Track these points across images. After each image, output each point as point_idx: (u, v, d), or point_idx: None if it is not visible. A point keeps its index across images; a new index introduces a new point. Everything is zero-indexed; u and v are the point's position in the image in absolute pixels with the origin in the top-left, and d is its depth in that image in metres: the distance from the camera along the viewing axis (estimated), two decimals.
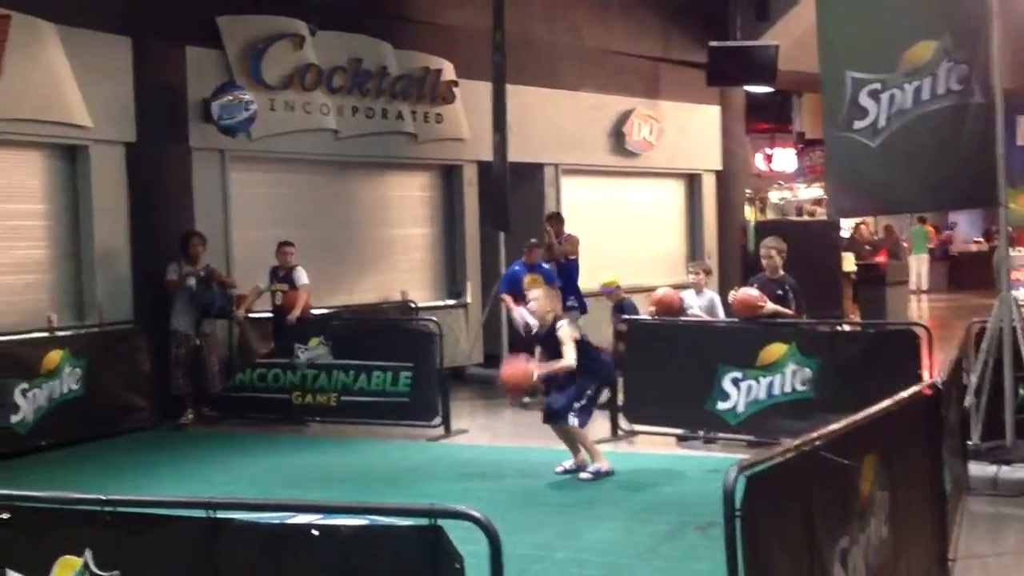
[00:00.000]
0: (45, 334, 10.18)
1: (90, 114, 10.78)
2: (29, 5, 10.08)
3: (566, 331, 8.32)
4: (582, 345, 8.38)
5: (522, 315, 10.84)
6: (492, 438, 10.49)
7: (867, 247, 18.55)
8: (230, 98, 11.77)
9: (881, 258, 18.45)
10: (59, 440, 9.67)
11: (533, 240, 12.14)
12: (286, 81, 12.44)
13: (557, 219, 13.09)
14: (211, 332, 11.15)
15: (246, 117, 11.87)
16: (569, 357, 8.19)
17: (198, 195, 11.72)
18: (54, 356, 9.86)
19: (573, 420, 8.31)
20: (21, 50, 10.12)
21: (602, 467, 8.36)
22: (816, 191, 19.44)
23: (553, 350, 8.32)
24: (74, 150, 11.00)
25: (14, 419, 9.47)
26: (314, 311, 11.51)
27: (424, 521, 3.58)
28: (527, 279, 11.74)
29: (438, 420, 10.20)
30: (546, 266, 12.04)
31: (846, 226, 18.04)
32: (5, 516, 3.93)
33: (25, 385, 9.57)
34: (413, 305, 13.37)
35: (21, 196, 10.68)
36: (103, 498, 3.83)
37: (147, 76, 11.27)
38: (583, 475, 8.35)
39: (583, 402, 8.33)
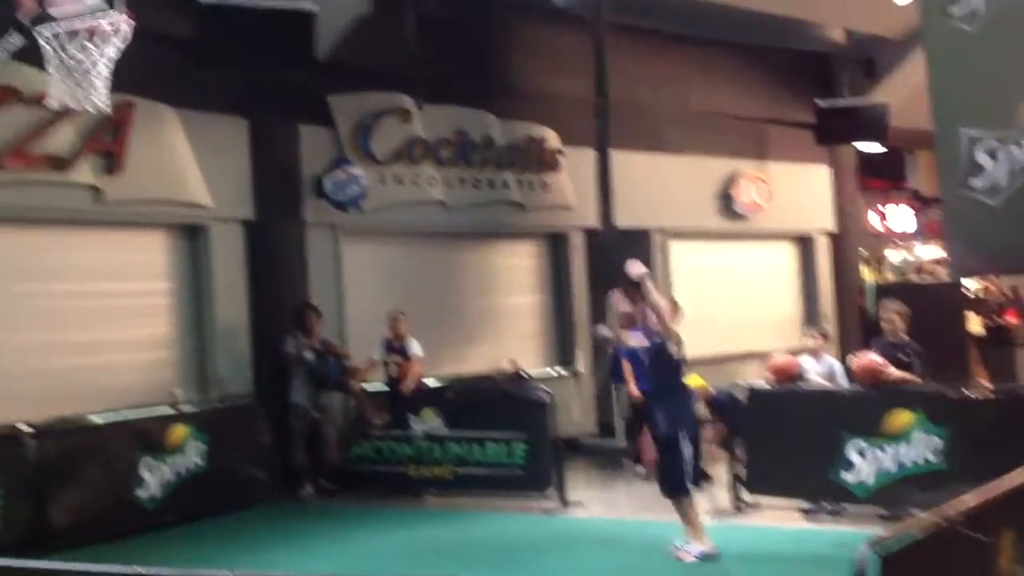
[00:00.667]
0: (170, 410, 10.44)
1: (210, 194, 11.14)
2: (151, 91, 10.50)
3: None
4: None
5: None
6: (608, 510, 10.35)
7: (995, 307, 17.94)
8: (341, 174, 12.07)
9: (1010, 318, 17.82)
10: (183, 515, 9.83)
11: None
12: (395, 155, 12.70)
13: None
14: (328, 405, 11.28)
15: (357, 192, 12.15)
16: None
17: (312, 269, 11.98)
18: (179, 431, 10.07)
19: (690, 486, 8.02)
20: (144, 134, 10.53)
21: (705, 549, 7.89)
22: (936, 250, 18.94)
23: (661, 372, 8.06)
24: (195, 229, 11.37)
25: (141, 494, 9.68)
26: (427, 381, 11.60)
27: None
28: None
29: (553, 492, 10.13)
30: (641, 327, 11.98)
31: (972, 286, 17.48)
32: None
33: (151, 460, 9.79)
34: (524, 374, 13.37)
35: (146, 275, 11.05)
36: (231, 573, 3.90)
37: (263, 155, 11.62)
38: (685, 556, 7.90)
39: (689, 463, 8.01)
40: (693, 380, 10.30)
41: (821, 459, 9.05)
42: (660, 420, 8.09)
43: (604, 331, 12.55)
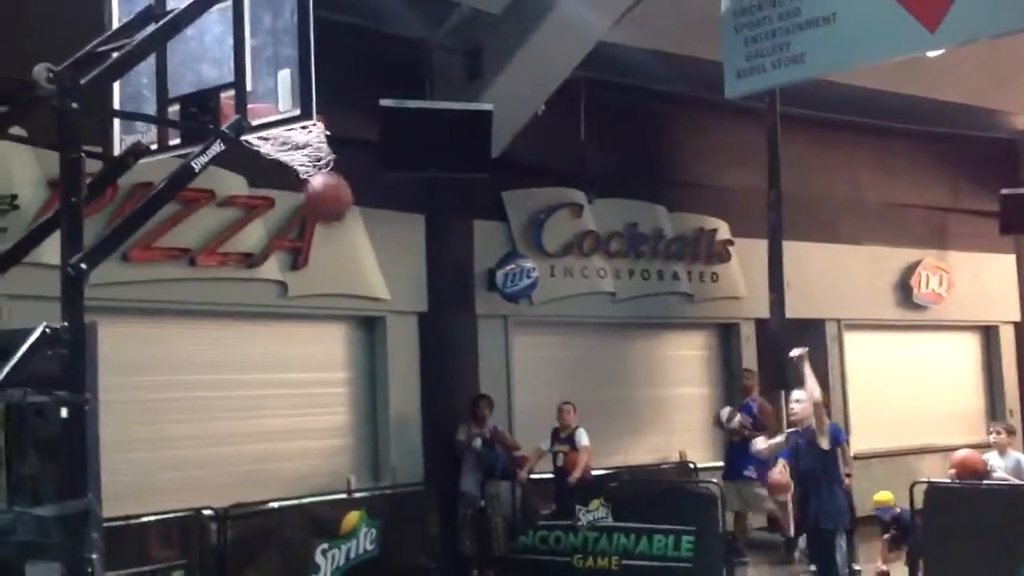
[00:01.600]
0: (344, 495, 10.77)
1: (388, 287, 11.58)
2: None
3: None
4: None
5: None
6: None
7: None
8: (513, 267, 12.37)
9: None
10: None
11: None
12: (565, 248, 12.94)
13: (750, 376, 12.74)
14: (495, 493, 11.44)
15: (528, 284, 12.42)
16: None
17: (483, 359, 12.24)
18: (352, 517, 10.36)
19: None
20: (328, 232, 11.05)
21: None
22: None
23: (812, 460, 8.02)
24: (372, 321, 11.80)
25: None
26: (594, 472, 11.62)
27: None
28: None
29: None
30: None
31: None
32: None
33: (325, 545, 10.08)
34: (692, 466, 13.23)
35: (325, 365, 11.51)
36: None
37: (438, 250, 12.01)
38: None
39: (843, 564, 7.72)
40: (883, 496, 9.97)
41: (1007, 561, 8.64)
42: (813, 511, 7.95)
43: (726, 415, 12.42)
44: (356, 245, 11.43)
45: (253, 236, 10.50)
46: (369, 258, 11.50)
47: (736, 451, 12.24)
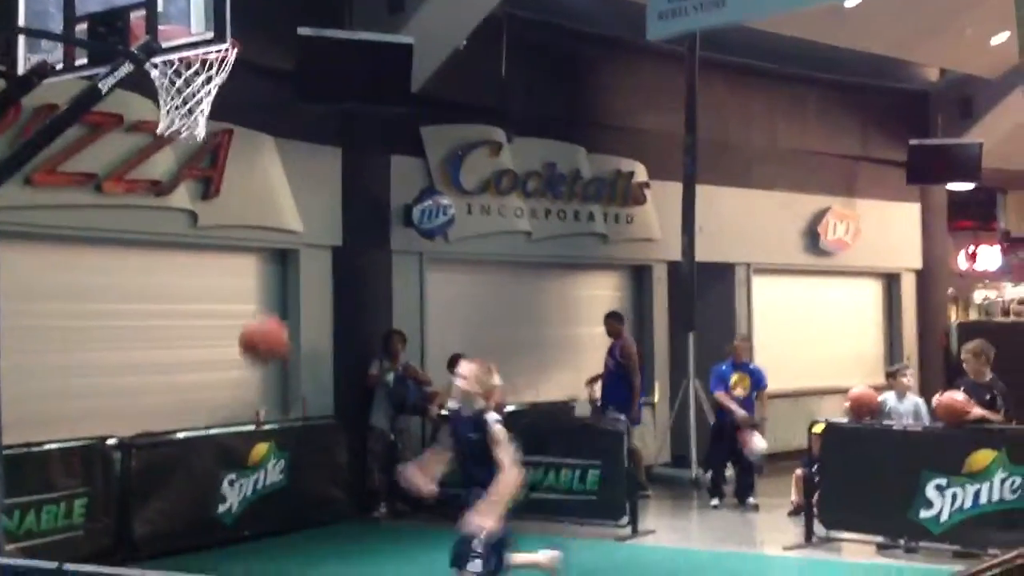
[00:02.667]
0: (253, 427, 10.75)
1: (302, 220, 11.48)
2: (250, 120, 10.88)
3: (500, 429, 6.32)
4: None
5: (737, 409, 11.23)
6: (680, 539, 10.39)
7: None
8: (430, 203, 12.34)
9: None
10: (261, 530, 10.09)
11: (743, 337, 12.20)
12: (483, 186, 12.94)
13: (616, 318, 12.96)
14: (406, 428, 11.52)
15: (444, 221, 12.41)
16: (508, 467, 6.27)
17: (397, 295, 12.24)
18: (260, 448, 10.36)
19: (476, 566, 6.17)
20: (241, 161, 10.89)
21: None
22: (1023, 290, 18.63)
23: (475, 449, 6.35)
24: (285, 254, 11.71)
25: (221, 509, 9.97)
26: (505, 408, 11.73)
27: None
28: (734, 378, 11.76)
29: (626, 520, 10.18)
30: (753, 366, 12.03)
31: None
32: None
33: (233, 476, 10.08)
34: (598, 402, 13.43)
35: (236, 297, 11.37)
36: None
37: (354, 183, 11.93)
38: None
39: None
40: (819, 428, 10.20)
41: (899, 496, 9.02)
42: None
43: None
44: (270, 176, 11.30)
45: (162, 163, 10.30)
46: (283, 190, 11.38)
47: (603, 393, 12.49)
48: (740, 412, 11.63)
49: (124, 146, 9.99)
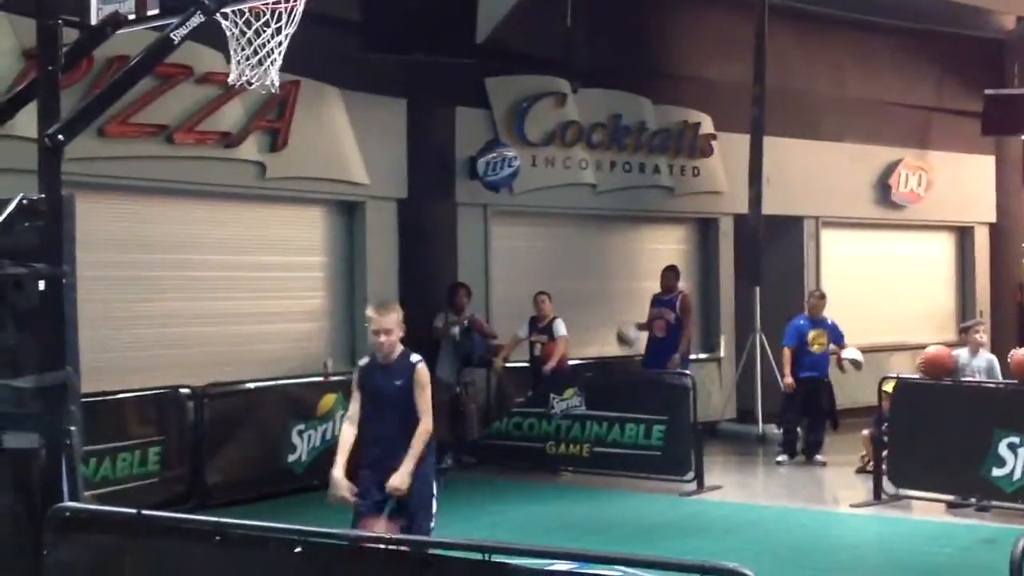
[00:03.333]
0: (321, 378, 10.85)
1: (368, 172, 11.49)
2: (316, 71, 10.88)
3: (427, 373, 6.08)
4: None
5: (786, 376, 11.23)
6: (747, 495, 10.34)
7: None
8: (495, 155, 12.29)
9: None
10: (329, 481, 10.19)
11: (818, 291, 12.04)
12: (548, 138, 12.85)
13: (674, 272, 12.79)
14: (471, 380, 11.56)
15: (509, 173, 12.35)
16: (429, 415, 5.96)
17: (462, 247, 12.25)
18: (328, 400, 10.45)
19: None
20: (308, 113, 10.93)
21: None
22: None
23: (398, 398, 6.00)
24: (352, 206, 11.75)
25: (291, 458, 10.11)
26: (570, 362, 11.74)
27: None
28: (811, 333, 11.61)
29: (691, 475, 10.15)
30: (831, 321, 11.85)
31: None
32: (297, 550, 4.18)
33: (302, 426, 10.21)
34: (633, 339, 13.37)
35: (304, 249, 11.48)
36: (388, 536, 4.09)
37: (419, 136, 11.92)
38: None
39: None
40: (889, 386, 10.03)
41: (970, 454, 8.89)
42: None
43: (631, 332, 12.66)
44: (336, 128, 11.31)
45: (232, 115, 10.36)
46: (349, 142, 11.39)
47: (654, 346, 12.37)
48: (787, 379, 11.49)
49: (194, 98, 10.06)
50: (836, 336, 11.79)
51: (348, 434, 6.10)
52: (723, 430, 13.38)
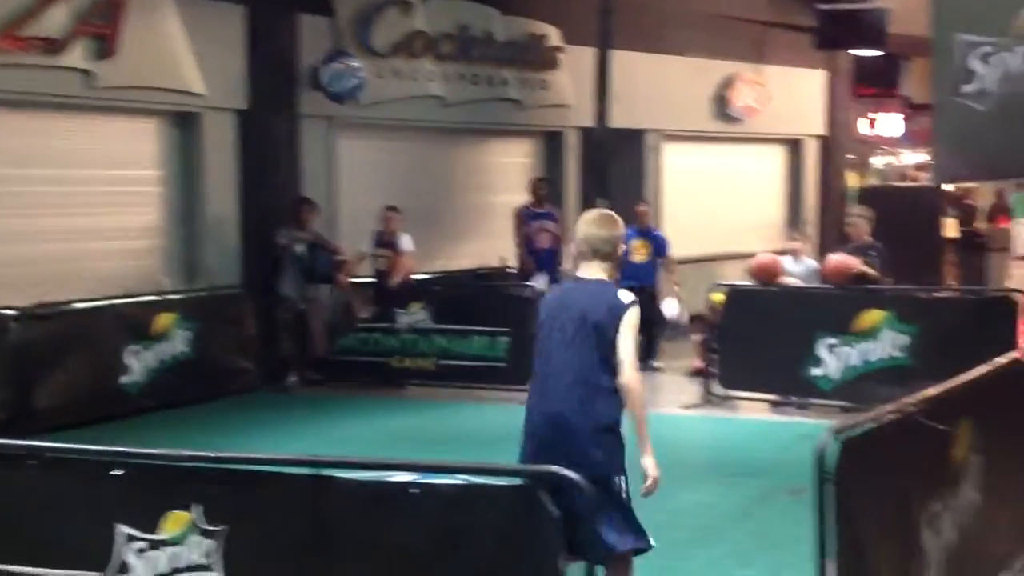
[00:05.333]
0: (156, 297, 10.52)
1: (204, 82, 11.06)
2: None
3: None
4: None
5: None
6: None
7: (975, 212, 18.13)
8: (339, 65, 11.97)
9: (1003, 224, 17.87)
10: (168, 401, 9.94)
11: (644, 203, 12.25)
12: (395, 48, 12.58)
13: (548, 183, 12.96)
14: (316, 297, 11.39)
15: (355, 84, 12.07)
16: None
17: (306, 162, 11.96)
18: (165, 319, 10.16)
19: None
20: (139, 19, 10.41)
21: None
22: (921, 156, 19.05)
23: None
24: (188, 117, 11.31)
25: (124, 380, 9.79)
26: (416, 276, 11.69)
27: (521, 481, 3.68)
28: (635, 243, 11.83)
29: None
30: (656, 232, 12.11)
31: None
32: (117, 472, 4.10)
33: (136, 347, 9.88)
34: (512, 270, 13.46)
35: (136, 162, 11.03)
36: (212, 455, 4.00)
37: (259, 44, 11.49)
38: None
39: None
40: (718, 297, 10.31)
41: (792, 356, 9.34)
42: None
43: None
44: (170, 36, 10.83)
45: (56, 20, 9.81)
46: (184, 50, 10.93)
47: (542, 258, 12.49)
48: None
49: (14, 1, 9.46)
50: (659, 246, 12.10)
51: None
52: None
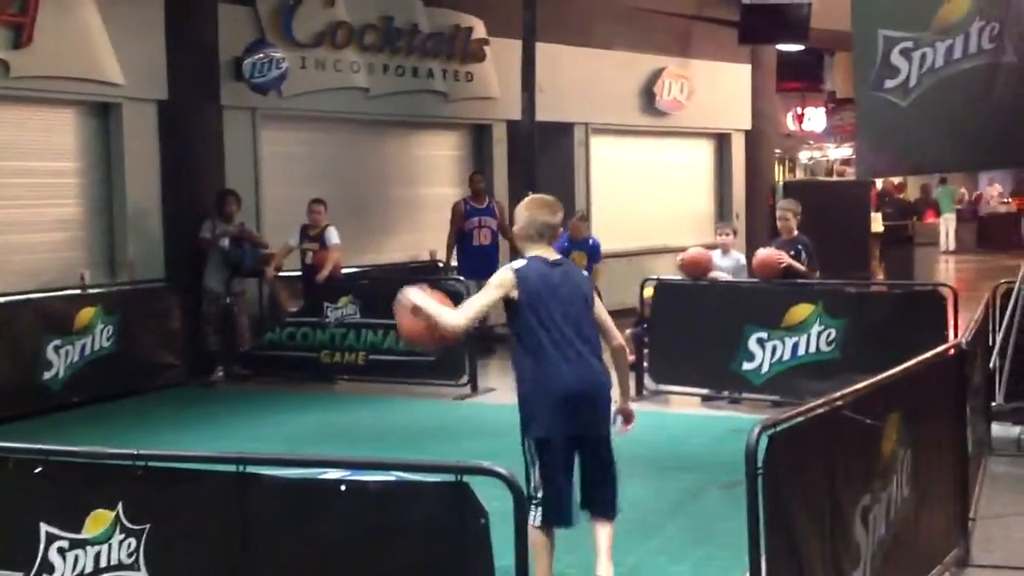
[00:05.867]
0: (78, 291, 10.29)
1: (123, 72, 10.83)
2: None
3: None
4: None
5: None
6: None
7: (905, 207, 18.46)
8: (261, 56, 11.81)
9: (931, 220, 18.30)
10: (91, 396, 9.79)
11: (580, 216, 12.10)
12: (317, 39, 12.45)
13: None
14: (242, 291, 11.24)
15: (277, 75, 11.92)
16: None
17: (229, 153, 11.77)
18: (87, 313, 9.97)
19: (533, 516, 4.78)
20: (54, 7, 10.17)
21: None
22: (846, 151, 19.39)
23: None
24: (107, 107, 11.07)
25: (47, 375, 9.59)
26: (344, 270, 11.57)
27: (451, 477, 3.64)
28: (573, 256, 11.75)
29: (465, 379, 10.26)
30: (592, 241, 12.01)
31: (877, 187, 17.98)
32: (38, 470, 4.01)
33: (58, 342, 9.67)
34: (441, 264, 13.41)
35: (54, 154, 10.77)
36: (135, 452, 3.91)
37: (179, 33, 11.29)
38: None
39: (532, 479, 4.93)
40: (648, 291, 10.31)
41: (722, 350, 9.36)
42: None
43: None
44: (87, 24, 10.58)
45: None
46: (102, 39, 10.69)
47: (482, 254, 12.41)
48: None
49: None
50: (594, 255, 12.01)
51: None
52: (500, 334, 13.54)
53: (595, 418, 4.88)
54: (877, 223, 17.16)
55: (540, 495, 4.83)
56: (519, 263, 5.00)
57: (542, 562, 4.78)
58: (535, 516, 4.78)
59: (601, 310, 5.07)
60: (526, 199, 5.19)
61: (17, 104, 10.39)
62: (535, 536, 4.72)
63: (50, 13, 10.11)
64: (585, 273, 5.34)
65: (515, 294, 4.88)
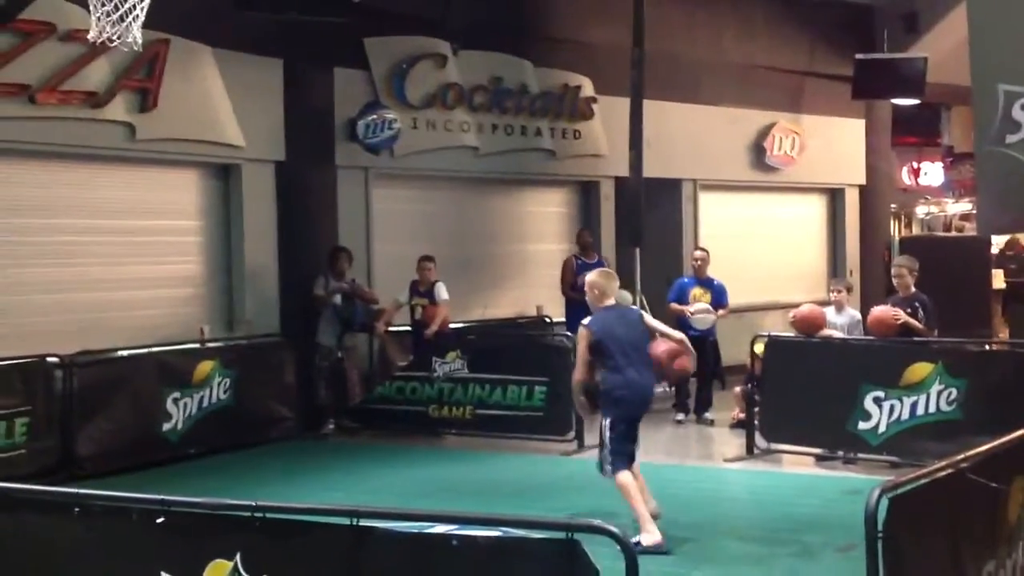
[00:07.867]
0: (197, 345, 10.58)
1: (243, 134, 11.20)
2: (187, 29, 10.53)
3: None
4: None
5: (686, 308, 11.43)
6: None
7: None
8: (375, 117, 12.10)
9: None
10: (207, 448, 10.01)
11: (700, 251, 12.07)
12: (429, 100, 12.70)
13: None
14: (353, 346, 11.42)
15: (389, 135, 12.19)
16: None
17: (342, 211, 12.05)
18: (205, 367, 10.23)
19: (607, 469, 7.11)
20: (179, 73, 10.57)
21: (644, 540, 6.63)
22: (965, 206, 18.89)
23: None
24: (227, 168, 11.44)
25: (166, 427, 9.85)
26: (452, 326, 11.69)
27: (561, 535, 3.63)
28: (695, 291, 11.71)
29: (571, 435, 10.22)
30: (717, 282, 11.91)
31: (998, 242, 17.41)
32: (160, 520, 4.10)
33: (177, 394, 9.93)
34: (549, 320, 13.44)
35: (177, 213, 11.16)
36: (254, 504, 3.98)
37: (297, 97, 11.65)
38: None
39: (609, 445, 7.11)
40: (760, 346, 10.16)
41: (838, 409, 9.14)
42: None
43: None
44: (209, 89, 10.98)
45: (98, 74, 9.96)
46: (223, 103, 11.07)
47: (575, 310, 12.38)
48: (687, 309, 11.50)
49: (58, 56, 9.65)
50: (719, 295, 11.85)
51: None
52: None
53: (646, 408, 7.40)
54: (999, 279, 16.60)
55: (619, 451, 7.05)
56: (588, 319, 7.26)
57: (636, 495, 6.94)
58: (617, 466, 7.00)
59: (659, 325, 7.65)
60: (595, 271, 7.72)
61: (143, 165, 10.80)
62: (623, 478, 6.98)
63: (175, 78, 10.52)
64: (639, 310, 8.08)
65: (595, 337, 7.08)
